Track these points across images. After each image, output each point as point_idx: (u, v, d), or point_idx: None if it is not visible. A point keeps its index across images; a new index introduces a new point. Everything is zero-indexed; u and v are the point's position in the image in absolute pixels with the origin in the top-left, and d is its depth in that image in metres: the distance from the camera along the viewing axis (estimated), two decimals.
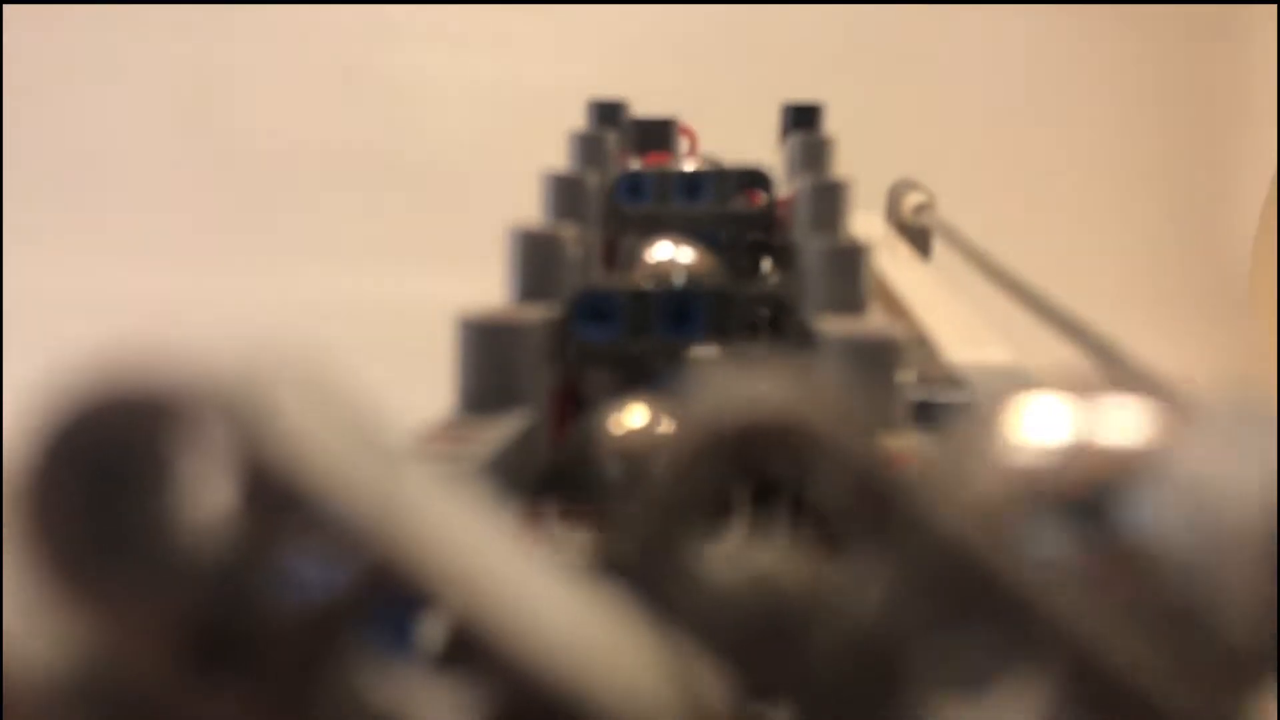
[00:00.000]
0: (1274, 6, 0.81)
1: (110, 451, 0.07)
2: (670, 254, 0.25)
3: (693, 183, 0.27)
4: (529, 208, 0.28)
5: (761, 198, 0.27)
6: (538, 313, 0.19)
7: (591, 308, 0.20)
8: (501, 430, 0.16)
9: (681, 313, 0.20)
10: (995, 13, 0.88)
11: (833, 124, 0.38)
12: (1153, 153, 0.90)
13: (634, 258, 0.26)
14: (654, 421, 0.18)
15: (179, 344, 0.07)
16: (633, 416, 0.18)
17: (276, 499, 0.07)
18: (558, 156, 0.33)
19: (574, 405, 0.25)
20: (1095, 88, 0.89)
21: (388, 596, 0.07)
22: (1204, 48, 0.89)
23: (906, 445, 0.16)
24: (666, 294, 0.20)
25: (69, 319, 0.82)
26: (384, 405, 0.10)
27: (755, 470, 0.08)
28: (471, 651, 0.07)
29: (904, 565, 0.08)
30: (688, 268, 0.25)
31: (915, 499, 0.08)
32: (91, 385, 0.07)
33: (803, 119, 0.35)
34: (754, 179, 0.27)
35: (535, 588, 0.08)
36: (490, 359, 0.18)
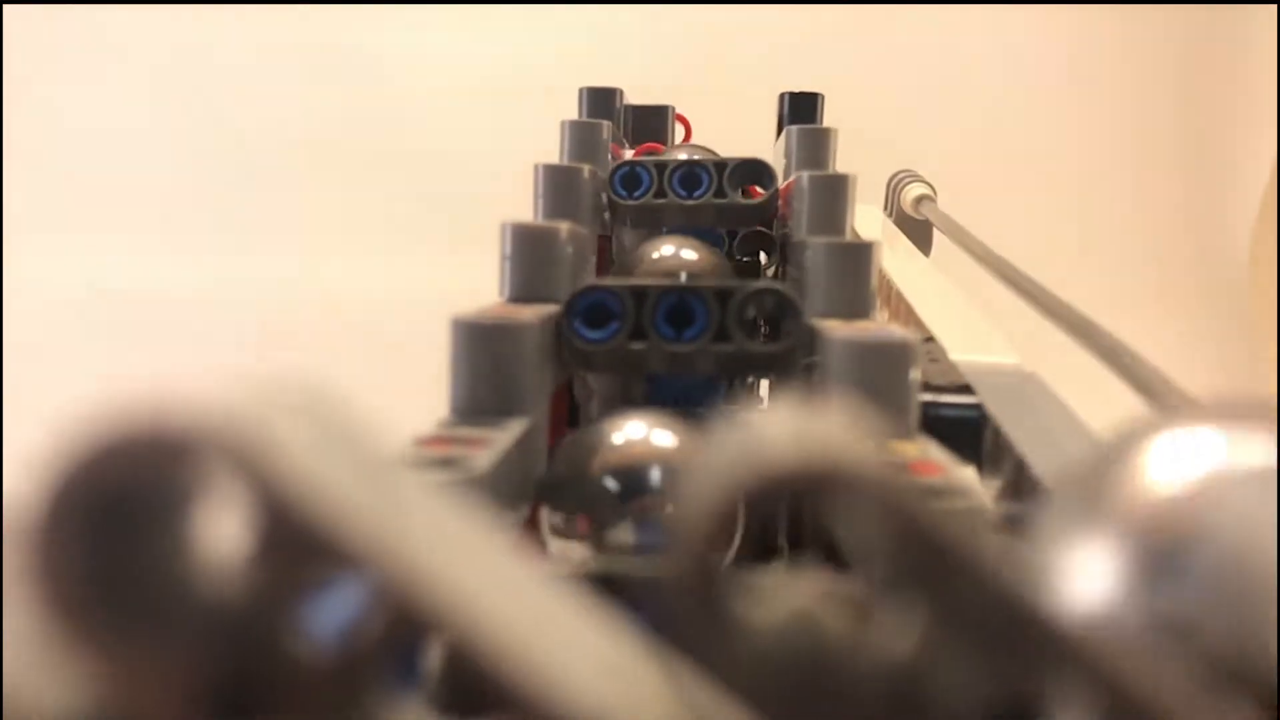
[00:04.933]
0: (1274, 6, 0.81)
1: (118, 494, 0.06)
2: (673, 251, 0.25)
3: (691, 174, 0.27)
4: (520, 195, 0.27)
5: (760, 193, 0.27)
6: (535, 313, 0.19)
7: (590, 307, 0.19)
8: (500, 437, 0.16)
9: (683, 311, 0.19)
10: (997, 8, 0.87)
11: (830, 113, 0.38)
12: (1154, 148, 0.90)
13: (635, 257, 0.25)
14: (652, 435, 0.17)
15: (181, 380, 0.07)
16: (631, 429, 0.17)
17: (289, 537, 0.07)
18: (550, 142, 0.32)
19: (566, 409, 0.24)
20: (1096, 83, 0.89)
21: (403, 631, 0.07)
22: (1204, 47, 0.89)
23: (922, 452, 0.15)
24: (668, 291, 0.19)
25: (53, 303, 0.82)
26: (378, 407, 0.09)
27: (795, 512, 0.08)
28: (482, 682, 0.07)
29: (946, 608, 0.08)
30: (692, 264, 0.24)
31: (959, 542, 0.08)
32: (94, 428, 0.06)
33: (801, 108, 0.35)
34: (755, 170, 0.27)
35: (545, 616, 0.08)
36: (486, 361, 0.18)
